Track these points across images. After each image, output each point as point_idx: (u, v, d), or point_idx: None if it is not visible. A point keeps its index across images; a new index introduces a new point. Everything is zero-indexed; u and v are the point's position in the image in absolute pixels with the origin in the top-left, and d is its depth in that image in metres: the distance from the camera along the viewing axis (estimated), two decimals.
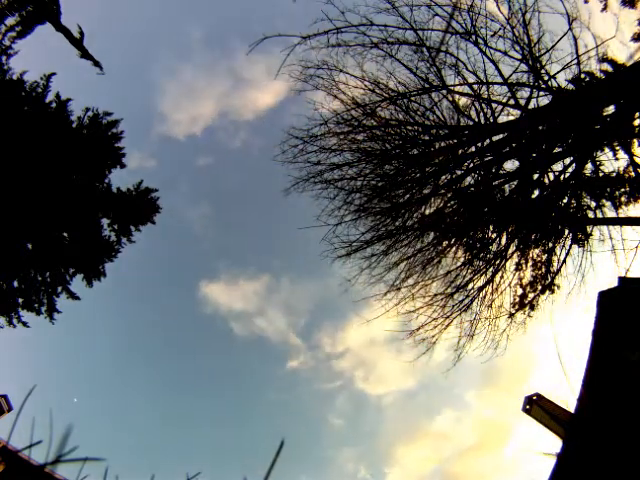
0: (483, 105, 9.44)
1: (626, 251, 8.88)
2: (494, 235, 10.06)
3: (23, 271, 9.94)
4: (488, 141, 9.57)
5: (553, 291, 9.84)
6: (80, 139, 10.11)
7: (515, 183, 9.73)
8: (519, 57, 9.04)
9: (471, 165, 9.85)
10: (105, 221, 10.84)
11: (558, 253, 9.77)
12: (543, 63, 8.98)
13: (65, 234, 10.30)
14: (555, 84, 9.00)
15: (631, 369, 2.66)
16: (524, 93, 9.29)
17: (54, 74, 9.86)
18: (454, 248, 10.14)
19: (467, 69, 9.30)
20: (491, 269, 9.93)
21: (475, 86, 9.38)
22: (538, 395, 5.55)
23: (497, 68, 9.10)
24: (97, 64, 9.79)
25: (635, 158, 8.70)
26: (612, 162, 9.02)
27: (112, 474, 1.32)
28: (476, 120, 9.62)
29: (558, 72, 8.92)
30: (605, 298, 2.96)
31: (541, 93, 9.20)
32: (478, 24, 8.97)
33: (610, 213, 9.18)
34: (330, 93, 9.83)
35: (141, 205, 11.05)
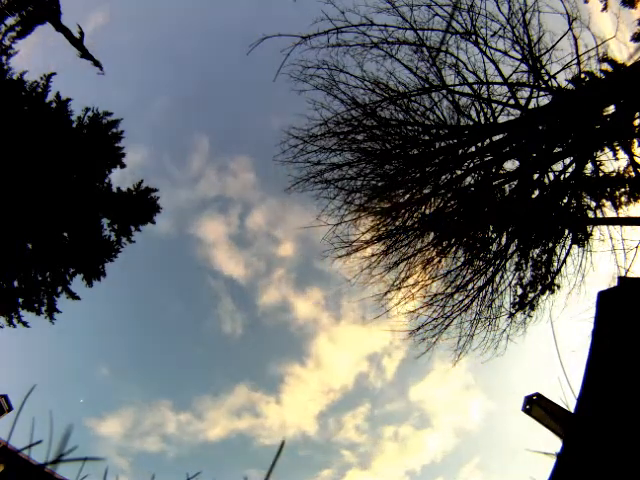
0: (483, 105, 9.45)
1: (626, 251, 8.89)
2: (494, 235, 10.06)
3: (23, 271, 9.94)
4: (488, 141, 9.57)
5: (553, 291, 9.85)
6: (80, 139, 10.11)
7: (515, 183, 9.73)
8: (519, 57, 9.05)
9: (471, 165, 9.85)
10: (105, 221, 10.83)
11: (558, 253, 9.78)
12: (543, 63, 8.99)
13: (65, 234, 10.30)
14: (555, 84, 9.01)
15: (631, 369, 2.66)
16: (524, 93, 9.31)
17: (54, 74, 9.86)
18: (454, 248, 10.14)
19: (467, 69, 9.32)
20: (491, 269, 9.93)
21: (475, 86, 9.39)
22: (538, 395, 5.55)
23: (497, 68, 9.11)
24: (97, 64, 9.82)
25: (635, 158, 8.70)
26: (612, 162, 9.04)
27: (112, 474, 1.32)
28: (476, 120, 9.62)
29: (558, 72, 8.93)
30: (605, 298, 2.96)
31: (541, 93, 9.21)
32: (478, 24, 8.99)
33: (610, 213, 9.19)
34: (330, 93, 9.84)
35: (141, 205, 11.04)
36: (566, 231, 9.58)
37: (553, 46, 8.86)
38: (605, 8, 9.16)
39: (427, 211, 10.19)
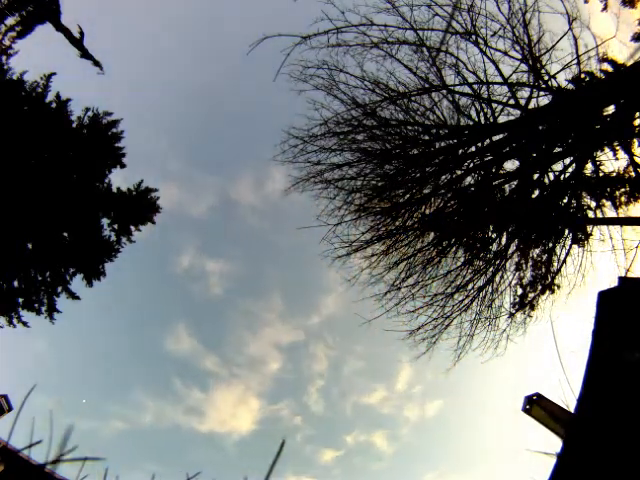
0: (483, 105, 9.44)
1: (626, 251, 8.88)
2: (494, 235, 10.05)
3: (23, 271, 9.94)
4: (488, 141, 9.57)
5: (553, 291, 9.84)
6: (80, 139, 10.11)
7: (515, 183, 9.73)
8: (519, 57, 9.04)
9: (471, 165, 9.85)
10: (105, 221, 10.84)
11: (558, 253, 9.77)
12: (543, 63, 8.99)
13: (65, 234, 10.30)
14: (555, 84, 9.01)
15: (631, 369, 2.66)
16: (524, 93, 9.30)
17: (54, 74, 9.86)
18: (454, 248, 10.13)
19: (467, 69, 9.31)
20: (491, 269, 9.93)
21: (475, 86, 9.39)
22: (538, 395, 5.54)
23: (497, 68, 9.10)
24: (97, 64, 9.83)
25: (635, 158, 8.70)
26: (612, 162, 9.04)
27: (112, 474, 1.32)
28: (476, 120, 9.62)
29: (558, 72, 8.93)
30: (605, 298, 2.96)
31: (541, 93, 9.21)
32: (478, 24, 8.98)
33: (610, 213, 9.19)
34: (330, 93, 9.84)
35: (141, 205, 11.05)
36: (566, 231, 9.57)
37: (553, 46, 8.86)
38: (605, 8, 9.16)
39: (427, 211, 10.18)
